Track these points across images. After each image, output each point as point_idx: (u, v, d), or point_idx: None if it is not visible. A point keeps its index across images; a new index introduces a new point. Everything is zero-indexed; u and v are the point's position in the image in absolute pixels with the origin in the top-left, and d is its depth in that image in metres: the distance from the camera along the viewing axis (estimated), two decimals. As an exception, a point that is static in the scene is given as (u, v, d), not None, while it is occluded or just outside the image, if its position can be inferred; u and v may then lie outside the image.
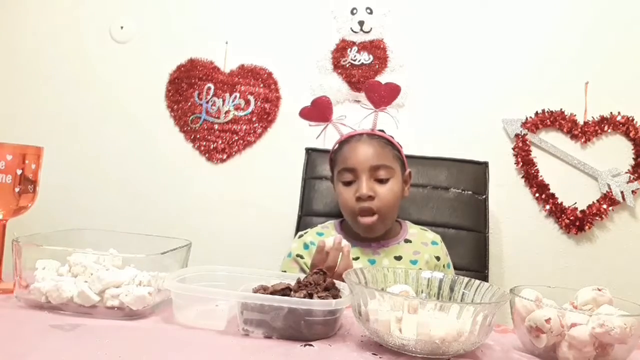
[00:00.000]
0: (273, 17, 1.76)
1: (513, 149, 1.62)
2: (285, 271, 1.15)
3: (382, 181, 1.12)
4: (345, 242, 0.93)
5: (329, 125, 1.18)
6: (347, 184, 1.14)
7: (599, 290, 0.68)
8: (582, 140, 1.59)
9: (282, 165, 1.72)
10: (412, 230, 1.23)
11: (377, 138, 1.15)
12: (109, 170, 1.81)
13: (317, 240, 1.18)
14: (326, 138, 1.17)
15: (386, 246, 1.17)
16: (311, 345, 0.64)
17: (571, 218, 1.57)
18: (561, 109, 1.60)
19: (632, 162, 1.56)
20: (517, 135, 1.61)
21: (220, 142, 1.76)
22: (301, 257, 1.17)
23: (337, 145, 1.19)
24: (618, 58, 1.59)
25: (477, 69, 1.66)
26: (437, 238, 1.23)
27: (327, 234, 1.21)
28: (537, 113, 1.61)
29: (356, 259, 1.14)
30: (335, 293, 0.71)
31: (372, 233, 1.14)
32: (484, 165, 1.49)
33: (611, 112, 1.57)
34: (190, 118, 1.78)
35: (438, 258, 1.18)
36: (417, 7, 1.70)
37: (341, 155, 1.16)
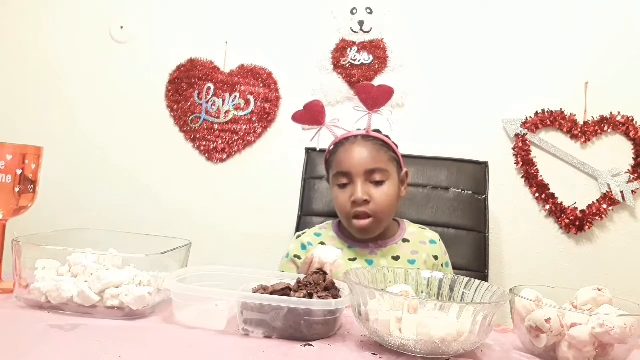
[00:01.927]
0: (273, 17, 1.76)
1: (513, 149, 1.62)
2: (283, 272, 1.15)
3: (377, 184, 1.11)
4: (329, 257, 0.93)
5: (323, 128, 1.17)
6: (342, 187, 1.13)
7: (599, 290, 0.68)
8: (582, 140, 1.59)
9: (282, 165, 1.72)
10: (411, 230, 1.22)
11: (372, 140, 1.14)
12: (109, 170, 1.82)
13: (314, 241, 1.19)
14: (320, 141, 1.16)
15: (384, 247, 1.16)
16: (311, 345, 0.64)
17: (571, 218, 1.57)
18: (561, 109, 1.60)
19: (632, 162, 1.56)
20: (517, 135, 1.61)
21: (220, 142, 1.76)
22: (299, 257, 1.17)
23: (332, 147, 1.18)
24: (618, 58, 1.59)
25: (477, 69, 1.66)
26: (436, 237, 1.23)
27: (324, 234, 1.21)
28: (537, 113, 1.61)
29: (353, 259, 1.14)
30: (335, 293, 0.72)
31: (367, 235, 1.14)
32: (484, 165, 1.49)
33: (611, 112, 1.57)
34: (190, 118, 1.77)
35: (436, 257, 1.18)
36: (417, 7, 1.70)
37: (336, 158, 1.15)
